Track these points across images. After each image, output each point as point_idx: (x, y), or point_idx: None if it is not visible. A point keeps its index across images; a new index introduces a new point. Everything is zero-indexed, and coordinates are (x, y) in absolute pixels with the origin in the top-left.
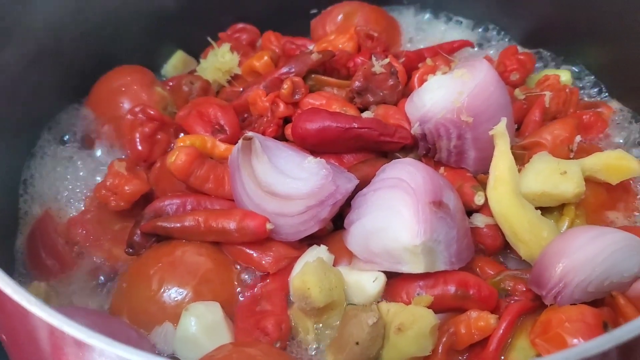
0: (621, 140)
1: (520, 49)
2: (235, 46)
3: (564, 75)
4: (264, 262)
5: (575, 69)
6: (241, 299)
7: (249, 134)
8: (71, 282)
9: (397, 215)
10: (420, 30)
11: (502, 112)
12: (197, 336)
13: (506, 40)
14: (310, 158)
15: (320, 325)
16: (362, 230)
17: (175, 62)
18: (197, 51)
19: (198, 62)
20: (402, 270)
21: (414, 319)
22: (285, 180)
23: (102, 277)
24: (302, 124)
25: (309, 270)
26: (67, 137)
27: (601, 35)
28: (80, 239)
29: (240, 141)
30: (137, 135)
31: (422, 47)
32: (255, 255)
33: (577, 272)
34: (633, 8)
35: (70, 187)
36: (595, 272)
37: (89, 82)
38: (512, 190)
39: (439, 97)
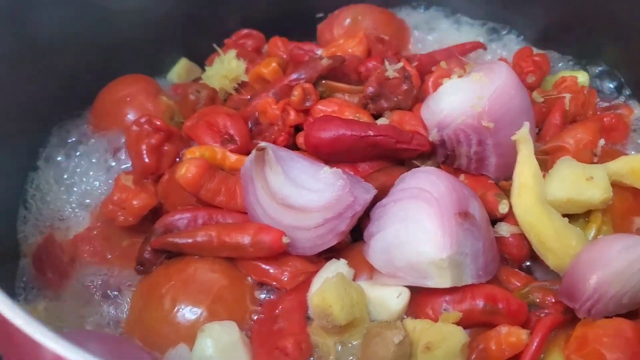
0: None
1: (534, 50)
2: (241, 53)
3: (581, 77)
4: (280, 277)
5: (590, 69)
6: (257, 317)
7: (262, 144)
8: (78, 300)
9: (421, 228)
10: (430, 32)
11: (523, 116)
12: (213, 358)
13: (519, 39)
14: (326, 168)
15: (342, 343)
16: (383, 243)
17: (179, 70)
18: (201, 58)
19: (202, 69)
20: (427, 284)
21: (442, 337)
22: (300, 192)
23: (110, 295)
24: (316, 132)
25: (329, 286)
26: (70, 149)
27: (617, 34)
28: (87, 255)
29: (253, 152)
30: (144, 147)
31: (432, 49)
32: (271, 270)
33: (611, 284)
34: None
35: (76, 201)
36: (631, 282)
37: (92, 91)
38: (538, 198)
39: (457, 101)
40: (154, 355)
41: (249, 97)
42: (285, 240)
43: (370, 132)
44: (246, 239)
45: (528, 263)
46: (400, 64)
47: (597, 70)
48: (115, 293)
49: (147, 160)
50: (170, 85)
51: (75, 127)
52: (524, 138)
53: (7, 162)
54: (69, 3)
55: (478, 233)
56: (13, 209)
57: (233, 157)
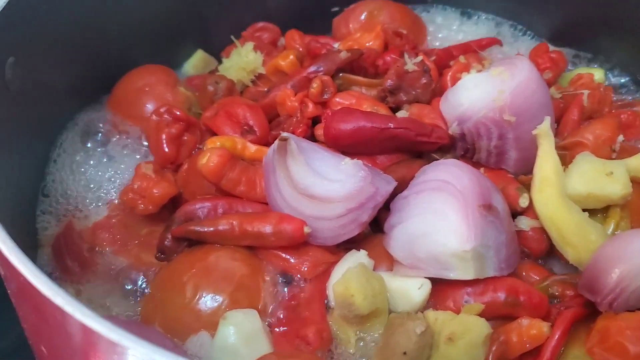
0: None
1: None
2: (257, 45)
3: (597, 74)
4: (301, 267)
5: (606, 67)
6: (278, 305)
7: (284, 134)
8: (98, 289)
9: (444, 219)
10: (445, 28)
11: (544, 111)
12: (237, 346)
13: (534, 37)
14: (347, 160)
15: (363, 333)
16: (405, 234)
17: (196, 62)
18: (216, 50)
19: (218, 61)
20: (450, 276)
21: (465, 328)
22: (322, 182)
23: (130, 284)
24: (336, 124)
25: (352, 276)
26: (88, 138)
27: (632, 32)
28: (107, 243)
29: (275, 142)
30: (164, 136)
31: (448, 45)
32: (292, 260)
33: (634, 278)
34: None
35: (94, 190)
36: None
37: (109, 81)
38: (559, 192)
39: (477, 95)
40: (175, 342)
41: (266, 89)
42: (306, 230)
43: (390, 124)
44: (268, 228)
45: (546, 257)
46: (420, 58)
47: (612, 68)
48: (136, 281)
49: (166, 149)
50: (186, 77)
51: (94, 116)
52: (545, 132)
53: (26, 151)
54: None
55: (501, 226)
56: (32, 198)
57: (253, 148)
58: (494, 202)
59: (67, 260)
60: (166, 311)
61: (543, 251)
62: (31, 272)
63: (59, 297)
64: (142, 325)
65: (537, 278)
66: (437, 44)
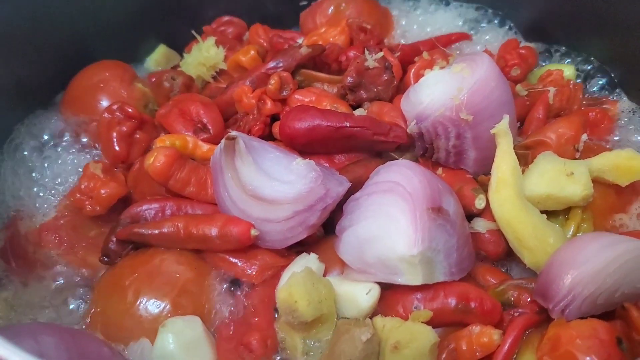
0: (631, 139)
1: (521, 38)
2: (221, 40)
3: (568, 70)
4: (248, 271)
5: (579, 63)
6: (224, 311)
7: (233, 133)
8: (42, 292)
9: (393, 223)
10: (416, 20)
11: (504, 109)
12: (175, 354)
13: (511, 29)
14: (299, 159)
15: (310, 340)
16: (354, 238)
17: (158, 57)
18: (180, 45)
19: (182, 56)
20: (398, 281)
21: (411, 337)
22: (271, 184)
23: (76, 287)
24: (290, 122)
25: (296, 281)
26: (40, 136)
27: (607, 27)
28: (53, 246)
29: (222, 141)
30: (114, 134)
31: (421, 35)
32: (239, 264)
33: (586, 284)
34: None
35: (43, 190)
36: (606, 283)
37: (66, 78)
38: (516, 193)
39: (436, 93)
40: (117, 348)
41: (225, 85)
42: (253, 232)
43: (346, 123)
44: (213, 231)
45: (505, 260)
46: (381, 54)
47: (585, 64)
48: (81, 284)
49: (117, 148)
50: (148, 72)
51: (46, 114)
52: (503, 131)
53: None
54: None
55: (452, 229)
56: None
57: (205, 147)
58: (445, 204)
59: (12, 261)
60: (108, 316)
61: (500, 254)
62: None
63: None
64: (76, 332)
65: (494, 281)
66: (407, 34)
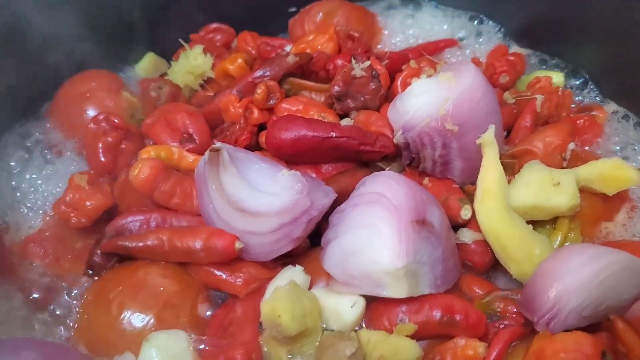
0: (618, 147)
1: (511, 44)
2: (209, 48)
3: (556, 77)
4: (234, 284)
5: (567, 70)
6: (208, 325)
7: (217, 144)
8: (27, 305)
9: (378, 235)
10: (405, 26)
11: (490, 119)
12: None
13: (501, 35)
14: (285, 171)
15: (294, 353)
16: (339, 250)
17: (146, 65)
18: (169, 53)
19: (170, 64)
20: (382, 294)
21: (396, 351)
22: (256, 196)
23: (61, 300)
24: (277, 133)
25: (280, 295)
26: (24, 148)
27: (596, 34)
28: (39, 258)
29: (207, 153)
30: (100, 145)
31: (411, 41)
32: (224, 277)
33: (571, 297)
34: (628, 7)
35: (29, 201)
36: (592, 296)
37: (53, 87)
38: (502, 204)
39: (423, 103)
40: None
41: (213, 94)
42: (238, 245)
43: (333, 133)
44: (198, 244)
45: (492, 270)
46: (368, 63)
47: (573, 71)
48: (66, 297)
49: (102, 159)
50: (136, 80)
51: (32, 124)
52: (488, 142)
53: None
54: None
55: (437, 241)
56: None
57: (191, 158)
58: (430, 216)
59: None
60: (92, 330)
61: (486, 265)
62: None
63: None
64: (59, 347)
65: (480, 292)
66: (397, 40)
